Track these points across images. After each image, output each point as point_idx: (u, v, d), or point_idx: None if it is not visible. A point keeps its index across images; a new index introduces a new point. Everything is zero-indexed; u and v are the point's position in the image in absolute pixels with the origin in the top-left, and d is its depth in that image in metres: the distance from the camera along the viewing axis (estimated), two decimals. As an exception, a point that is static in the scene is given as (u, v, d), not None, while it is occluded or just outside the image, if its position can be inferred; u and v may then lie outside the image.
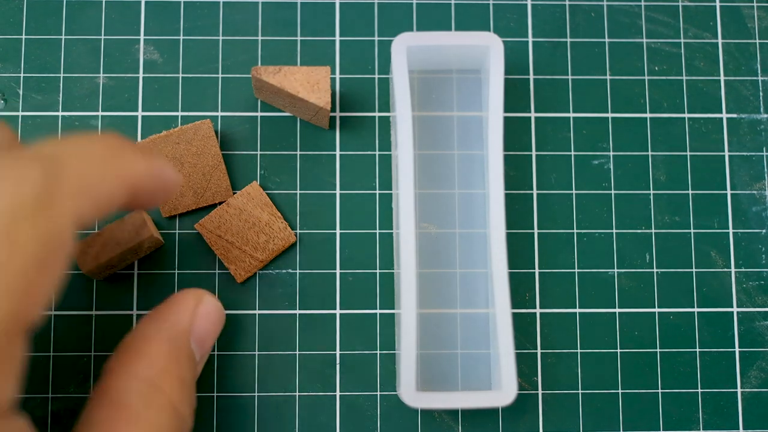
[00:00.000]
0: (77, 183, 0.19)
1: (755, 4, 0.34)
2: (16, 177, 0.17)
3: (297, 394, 0.31)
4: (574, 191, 0.33)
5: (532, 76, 0.33)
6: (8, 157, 0.18)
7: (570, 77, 0.33)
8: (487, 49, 0.31)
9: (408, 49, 0.30)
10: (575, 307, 0.32)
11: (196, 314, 0.24)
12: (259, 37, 0.33)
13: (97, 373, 0.31)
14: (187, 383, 0.22)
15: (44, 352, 0.31)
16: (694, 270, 0.32)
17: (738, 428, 0.31)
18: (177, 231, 0.32)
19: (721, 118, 0.33)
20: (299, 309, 0.31)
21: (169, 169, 0.23)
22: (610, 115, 0.33)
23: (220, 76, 0.33)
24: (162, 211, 0.32)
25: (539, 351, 0.31)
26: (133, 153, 0.21)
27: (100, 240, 0.29)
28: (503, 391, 0.29)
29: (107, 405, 0.21)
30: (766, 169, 0.33)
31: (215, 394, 0.31)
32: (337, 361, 0.31)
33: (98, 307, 0.31)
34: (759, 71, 0.34)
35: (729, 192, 0.33)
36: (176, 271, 0.32)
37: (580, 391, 0.31)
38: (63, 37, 0.33)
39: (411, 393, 0.29)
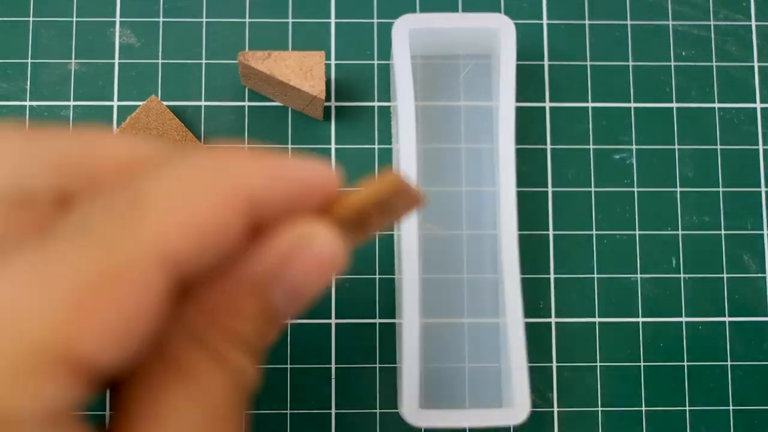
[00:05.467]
0: (161, 209, 0.16)
1: (792, -17, 0.34)
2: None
3: (288, 411, 0.30)
4: (593, 189, 0.32)
5: (546, 63, 0.33)
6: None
7: (588, 63, 0.33)
8: (497, 33, 0.30)
9: (410, 32, 0.30)
10: (594, 317, 0.32)
11: (292, 257, 0.19)
12: (247, 20, 0.33)
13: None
14: (253, 342, 0.19)
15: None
16: (725, 275, 0.32)
17: (774, 450, 0.32)
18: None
19: (755, 108, 0.33)
20: (290, 318, 0.30)
21: (305, 164, 0.19)
22: (632, 105, 0.33)
23: (203, 61, 0.33)
24: None
25: (555, 364, 0.31)
26: (240, 159, 0.18)
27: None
28: (515, 408, 0.28)
29: (159, 362, 0.18)
30: (804, 165, 0.33)
31: (198, 412, 0.30)
32: (332, 375, 0.31)
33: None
34: (796, 57, 0.34)
35: (764, 190, 0.33)
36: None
37: (599, 409, 0.31)
38: (30, 19, 0.33)
39: (414, 410, 0.28)
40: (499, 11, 0.33)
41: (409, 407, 0.28)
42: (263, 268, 0.18)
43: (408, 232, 0.29)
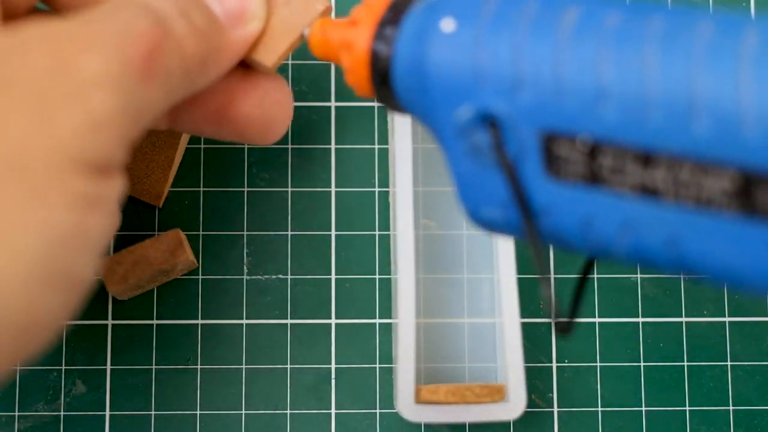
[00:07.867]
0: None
1: (791, -17, 0.34)
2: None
3: (288, 411, 0.30)
4: (592, 188, 0.31)
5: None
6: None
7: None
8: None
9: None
10: (594, 317, 0.31)
11: None
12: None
13: (67, 389, 0.30)
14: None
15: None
16: (725, 275, 0.31)
17: (774, 450, 0.31)
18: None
19: (755, 108, 0.32)
20: (290, 318, 0.31)
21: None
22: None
23: (203, 62, 0.32)
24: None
25: (554, 365, 0.31)
26: None
27: (131, 258, 0.29)
28: (511, 403, 0.28)
29: None
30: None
31: (198, 412, 0.30)
32: (332, 375, 0.31)
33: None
34: (796, 56, 0.33)
35: (764, 189, 0.32)
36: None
37: (599, 409, 0.31)
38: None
39: (409, 405, 0.28)
40: (499, 11, 0.33)
41: (405, 401, 0.28)
42: None
43: (403, 231, 0.29)
